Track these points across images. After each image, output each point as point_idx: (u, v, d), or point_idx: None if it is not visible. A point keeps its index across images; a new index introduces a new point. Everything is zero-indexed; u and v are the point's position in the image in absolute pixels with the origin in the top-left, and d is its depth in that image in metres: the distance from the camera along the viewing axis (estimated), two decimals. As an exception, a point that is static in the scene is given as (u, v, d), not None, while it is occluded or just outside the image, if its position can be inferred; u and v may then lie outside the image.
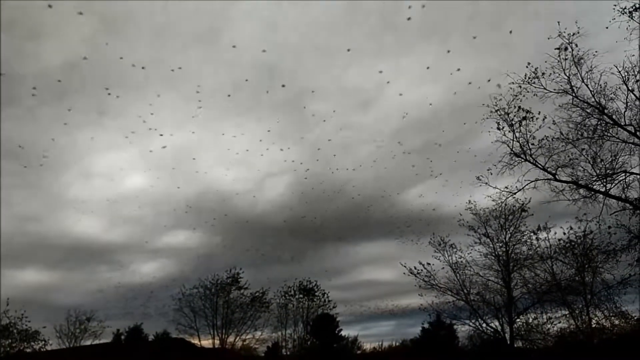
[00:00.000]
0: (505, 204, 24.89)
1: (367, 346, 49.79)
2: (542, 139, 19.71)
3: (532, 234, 28.71)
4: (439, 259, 30.65)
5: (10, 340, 34.72)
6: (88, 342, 39.54)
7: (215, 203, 64.25)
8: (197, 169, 67.76)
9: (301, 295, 41.49)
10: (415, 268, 30.63)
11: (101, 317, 40.86)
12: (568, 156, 19.66)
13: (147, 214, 63.06)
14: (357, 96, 68.68)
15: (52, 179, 59.79)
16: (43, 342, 36.56)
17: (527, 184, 20.38)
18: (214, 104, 68.65)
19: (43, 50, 54.76)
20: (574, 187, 19.86)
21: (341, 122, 69.07)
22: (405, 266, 30.81)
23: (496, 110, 19.85)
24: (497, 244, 29.62)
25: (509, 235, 29.22)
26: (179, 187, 66.24)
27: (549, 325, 29.21)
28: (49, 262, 51.07)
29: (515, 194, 21.36)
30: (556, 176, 20.04)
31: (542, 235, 28.55)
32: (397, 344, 48.07)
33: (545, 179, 20.21)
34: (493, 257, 29.77)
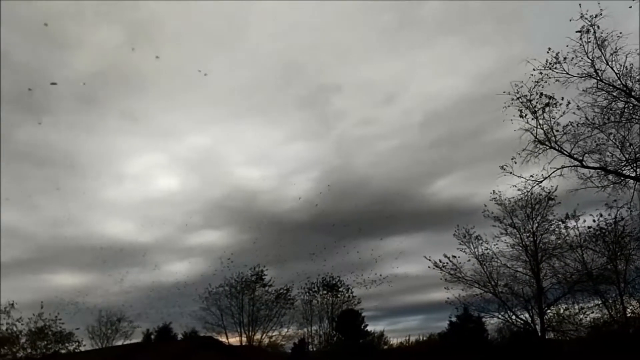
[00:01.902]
0: (531, 193, 24.20)
1: (394, 341, 49.59)
2: (567, 125, 19.09)
3: (560, 222, 28.03)
4: (464, 252, 30.19)
5: (46, 342, 35.73)
6: (119, 342, 40.50)
7: (241, 201, 64.93)
8: (224, 168, 68.70)
9: (325, 292, 41.50)
10: (440, 261, 30.28)
11: (132, 317, 41.77)
12: (595, 141, 18.99)
13: (177, 214, 64.07)
14: (380, 91, 68.35)
15: (85, 184, 61.29)
16: (77, 343, 37.59)
17: (553, 172, 19.74)
18: (238, 104, 69.42)
19: (75, 59, 56.02)
20: (603, 173, 19.20)
21: (364, 117, 68.94)
22: (429, 260, 30.53)
23: (517, 98, 19.30)
24: (524, 234, 29.01)
25: (536, 224, 28.57)
26: (207, 187, 67.21)
27: (581, 316, 28.73)
28: (82, 265, 52.32)
29: (541, 182, 20.74)
30: (583, 162, 19.41)
31: (571, 223, 27.89)
32: (424, 338, 47.72)
33: (572, 166, 19.59)
34: (520, 248, 29.17)
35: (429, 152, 62.73)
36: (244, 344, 38.56)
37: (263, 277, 39.87)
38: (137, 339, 43.12)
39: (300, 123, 69.03)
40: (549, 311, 28.88)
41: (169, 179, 71.54)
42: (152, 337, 46.40)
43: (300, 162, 70.49)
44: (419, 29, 59.90)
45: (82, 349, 37.86)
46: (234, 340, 39.06)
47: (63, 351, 36.25)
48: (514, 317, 29.95)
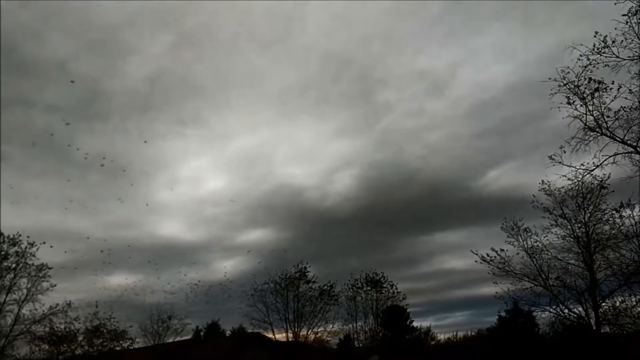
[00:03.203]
0: (582, 182, 23.33)
1: (441, 337, 49.02)
2: (619, 110, 18.24)
3: (614, 212, 27.09)
4: (512, 245, 29.58)
5: (101, 340, 37.15)
6: (170, 339, 41.66)
7: (286, 199, 65.70)
8: (270, 167, 69.68)
9: (369, 288, 41.34)
10: (487, 255, 29.70)
11: (183, 314, 42.84)
12: (650, 126, 18.13)
13: (224, 213, 65.54)
14: (429, 82, 67.46)
15: (140, 188, 63.50)
16: (130, 341, 38.92)
17: (605, 159, 18.93)
18: (287, 104, 70.13)
19: (128, 67, 58.18)
20: (659, 158, 18.32)
21: (411, 109, 68.19)
22: (476, 254, 29.97)
23: (565, 84, 18.56)
24: (576, 225, 28.16)
25: (589, 214, 27.68)
26: (253, 186, 68.30)
27: (639, 308, 27.44)
28: (136, 265, 54.24)
29: (592, 170, 19.93)
30: (638, 148, 18.52)
31: (626, 212, 26.85)
32: (473, 333, 46.95)
33: (626, 153, 18.71)
34: (572, 239, 28.35)
35: (479, 143, 61.59)
36: (290, 340, 38.93)
37: (306, 273, 40.12)
38: (187, 335, 44.22)
39: (346, 118, 69.25)
40: (604, 304, 27.97)
41: (217, 179, 73.35)
42: (202, 333, 47.51)
43: (345, 158, 70.70)
44: (469, 17, 58.67)
45: (136, 346, 39.20)
46: (280, 336, 39.52)
47: (118, 348, 37.61)
48: (566, 310, 29.13)
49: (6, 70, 53.43)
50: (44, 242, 31.62)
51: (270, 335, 38.64)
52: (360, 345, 41.69)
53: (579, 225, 28.04)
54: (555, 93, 18.67)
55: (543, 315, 31.57)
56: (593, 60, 17.45)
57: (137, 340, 39.97)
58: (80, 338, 36.08)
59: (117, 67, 58.61)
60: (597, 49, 17.41)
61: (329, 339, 42.24)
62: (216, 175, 75.15)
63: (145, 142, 64.69)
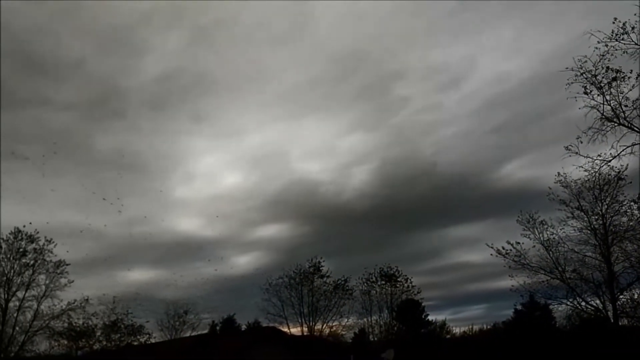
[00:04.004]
0: (599, 174, 23.02)
1: (457, 330, 48.82)
2: (637, 100, 17.97)
3: (632, 203, 26.57)
4: (528, 237, 29.32)
5: (119, 335, 37.58)
6: (187, 334, 42.00)
7: (301, 195, 65.87)
8: (285, 163, 69.89)
9: (383, 282, 41.28)
10: (503, 248, 29.48)
11: (199, 309, 43.17)
12: (670, 115, 17.81)
13: (240, 209, 65.98)
14: (444, 76, 66.99)
15: (157, 185, 64.26)
16: (147, 336, 39.32)
17: (623, 150, 18.66)
18: (301, 99, 70.15)
19: (143, 64, 58.70)
20: (679, 149, 18.00)
21: (426, 103, 67.80)
22: (492, 247, 29.76)
23: (581, 74, 18.28)
24: (593, 217, 27.80)
25: (606, 206, 27.31)
26: (269, 182, 68.58)
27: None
28: (153, 260, 54.90)
29: (609, 161, 19.67)
30: (656, 139, 18.23)
31: (645, 203, 26.28)
32: (488, 327, 46.68)
33: (644, 142, 18.43)
34: (589, 231, 27.98)
35: (495, 136, 61.15)
36: (305, 334, 39.10)
37: (320, 268, 40.20)
38: (203, 330, 44.56)
39: (361, 113, 69.22)
40: (621, 296, 27.62)
41: (233, 176, 73.79)
42: (218, 328, 47.84)
43: (360, 153, 70.68)
44: (484, 10, 58.06)
45: (153, 340, 39.62)
46: (295, 330, 39.70)
47: (135, 343, 38.01)
48: (583, 303, 28.87)
49: (23, 70, 54.26)
50: (63, 240, 32.19)
51: (285, 330, 38.91)
52: (375, 339, 41.68)
53: (596, 217, 27.68)
54: (572, 83, 18.43)
55: (560, 308, 31.45)
56: (611, 47, 17.18)
57: (154, 335, 40.43)
58: (98, 333, 36.59)
59: (133, 65, 59.21)
60: (616, 35, 17.13)
61: (343, 333, 42.38)
62: (232, 171, 75.66)
63: (161, 138, 65.17)
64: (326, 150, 75.06)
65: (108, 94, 59.71)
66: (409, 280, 41.29)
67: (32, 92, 58.14)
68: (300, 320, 39.89)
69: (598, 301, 28.24)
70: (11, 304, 30.81)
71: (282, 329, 38.52)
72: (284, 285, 39.94)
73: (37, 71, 55.63)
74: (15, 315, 30.79)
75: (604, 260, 27.48)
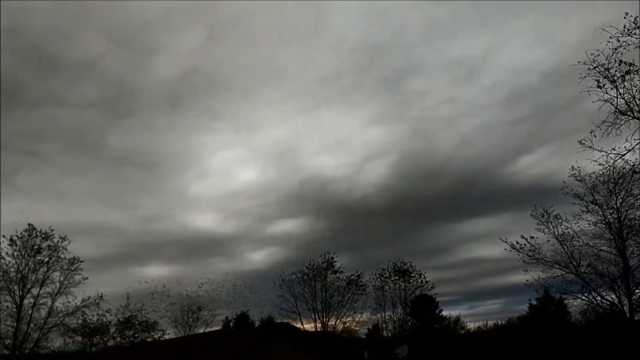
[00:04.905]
0: (614, 167, 22.68)
1: (472, 325, 48.63)
2: (651, 93, 17.68)
3: (647, 196, 26.16)
4: (543, 232, 29.09)
5: (133, 331, 37.96)
6: (200, 330, 42.33)
7: (317, 190, 65.93)
8: (301, 158, 69.94)
9: (396, 277, 41.21)
10: (517, 243, 29.28)
11: (213, 306, 43.48)
12: (684, 108, 17.50)
13: (257, 205, 66.31)
14: (463, 68, 66.28)
15: (171, 182, 64.88)
16: (161, 332, 39.67)
17: (637, 143, 18.41)
18: (317, 94, 70.03)
19: (158, 63, 59.11)
20: (695, 141, 17.67)
21: (443, 96, 67.19)
22: (506, 241, 29.57)
23: (594, 67, 18.02)
24: (607, 211, 27.51)
25: (620, 200, 27.00)
26: (284, 177, 68.82)
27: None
28: (169, 257, 55.49)
29: (624, 155, 19.40)
30: (671, 132, 17.93)
31: (660, 197, 25.90)
32: (503, 322, 46.42)
33: (658, 136, 18.14)
34: (603, 225, 27.72)
35: (513, 130, 60.51)
36: (318, 329, 39.17)
37: (333, 264, 40.22)
38: (217, 326, 44.88)
39: (378, 108, 68.83)
40: (637, 291, 27.34)
41: (248, 172, 74.09)
42: (231, 324, 48.14)
43: (377, 148, 70.46)
44: (504, 1, 57.05)
45: (166, 337, 39.96)
46: (309, 326, 39.83)
47: (149, 339, 38.37)
48: (599, 298, 28.61)
49: (39, 70, 54.94)
50: (78, 238, 32.57)
51: (298, 326, 39.03)
52: (389, 334, 41.69)
53: (611, 211, 27.39)
54: (585, 77, 18.19)
55: (575, 303, 31.21)
56: (624, 42, 16.92)
57: (168, 331, 40.79)
58: (112, 330, 37.00)
59: (147, 64, 59.56)
60: (628, 30, 16.86)
61: (357, 328, 42.43)
62: (248, 167, 75.93)
63: (176, 135, 65.72)
64: (342, 146, 74.94)
65: (123, 93, 60.19)
66: (422, 276, 41.27)
67: (47, 91, 58.87)
68: (313, 316, 40.08)
69: (614, 296, 28.03)
70: (26, 301, 31.16)
71: (296, 325, 38.69)
72: (297, 281, 40.13)
73: (53, 70, 56.32)
74: (30, 312, 31.14)
75: (619, 254, 27.23)
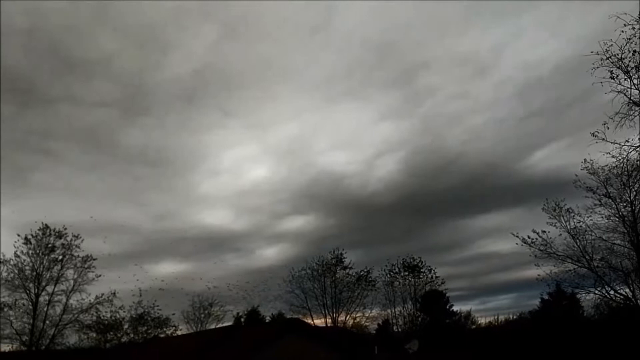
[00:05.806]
0: (627, 160, 22.37)
1: (483, 321, 48.47)
2: (667, 83, 17.37)
3: (661, 189, 25.78)
4: (554, 226, 28.77)
5: (146, 327, 38.30)
6: (212, 326, 42.58)
7: (328, 187, 65.96)
8: (312, 155, 69.97)
9: (406, 273, 41.12)
10: (529, 237, 29.04)
11: (225, 302, 43.72)
12: (701, 98, 17.16)
13: (268, 202, 66.54)
14: (472, 63, 65.74)
15: (184, 179, 65.25)
16: (174, 328, 40.00)
17: (652, 135, 18.12)
18: (327, 91, 69.92)
19: (171, 61, 59.37)
20: None
21: (454, 92, 66.74)
22: (517, 236, 29.34)
23: (607, 58, 17.71)
24: (621, 204, 27.03)
25: (634, 193, 26.49)
26: (295, 174, 68.91)
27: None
28: (182, 254, 55.80)
29: (638, 147, 19.11)
30: (686, 123, 17.60)
31: (675, 189, 25.52)
32: (514, 317, 46.20)
33: (674, 127, 17.83)
34: (617, 219, 27.23)
35: (524, 124, 59.98)
36: (328, 325, 39.22)
37: (343, 259, 40.20)
38: (228, 322, 45.12)
39: (390, 103, 68.58)
40: (652, 285, 26.88)
41: (259, 169, 74.27)
42: (242, 320, 48.37)
43: (388, 143, 70.24)
44: None
45: (179, 333, 40.25)
46: (319, 321, 39.88)
47: (162, 335, 38.67)
48: (612, 292, 28.20)
49: (54, 68, 55.34)
50: (91, 235, 32.86)
51: (309, 321, 39.08)
52: (399, 330, 41.64)
53: (625, 204, 26.92)
54: (598, 67, 17.88)
55: (587, 297, 30.59)
56: (638, 30, 16.58)
57: (180, 327, 41.07)
58: (125, 326, 37.33)
59: (161, 62, 59.77)
60: (642, 17, 16.53)
61: (367, 324, 42.44)
62: (257, 164, 76.12)
63: (188, 133, 66.08)
64: (353, 142, 74.83)
65: (137, 91, 60.52)
66: (432, 271, 41.12)
67: (63, 90, 59.30)
68: (323, 312, 40.10)
69: (627, 290, 27.59)
70: (41, 299, 31.62)
71: (306, 321, 38.73)
72: (307, 277, 40.18)
73: (68, 69, 56.70)
74: (45, 309, 31.59)
75: (633, 248, 26.78)
